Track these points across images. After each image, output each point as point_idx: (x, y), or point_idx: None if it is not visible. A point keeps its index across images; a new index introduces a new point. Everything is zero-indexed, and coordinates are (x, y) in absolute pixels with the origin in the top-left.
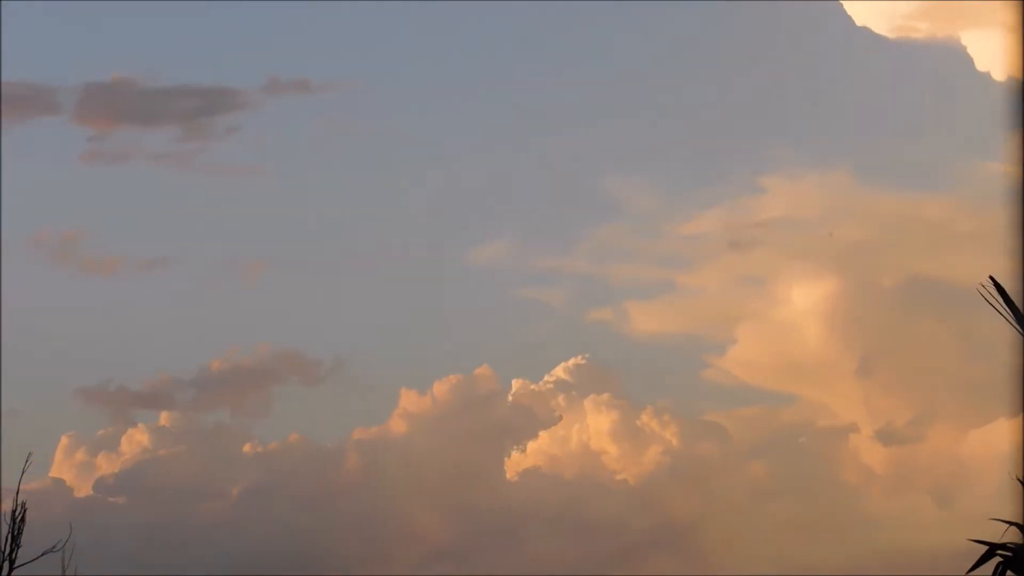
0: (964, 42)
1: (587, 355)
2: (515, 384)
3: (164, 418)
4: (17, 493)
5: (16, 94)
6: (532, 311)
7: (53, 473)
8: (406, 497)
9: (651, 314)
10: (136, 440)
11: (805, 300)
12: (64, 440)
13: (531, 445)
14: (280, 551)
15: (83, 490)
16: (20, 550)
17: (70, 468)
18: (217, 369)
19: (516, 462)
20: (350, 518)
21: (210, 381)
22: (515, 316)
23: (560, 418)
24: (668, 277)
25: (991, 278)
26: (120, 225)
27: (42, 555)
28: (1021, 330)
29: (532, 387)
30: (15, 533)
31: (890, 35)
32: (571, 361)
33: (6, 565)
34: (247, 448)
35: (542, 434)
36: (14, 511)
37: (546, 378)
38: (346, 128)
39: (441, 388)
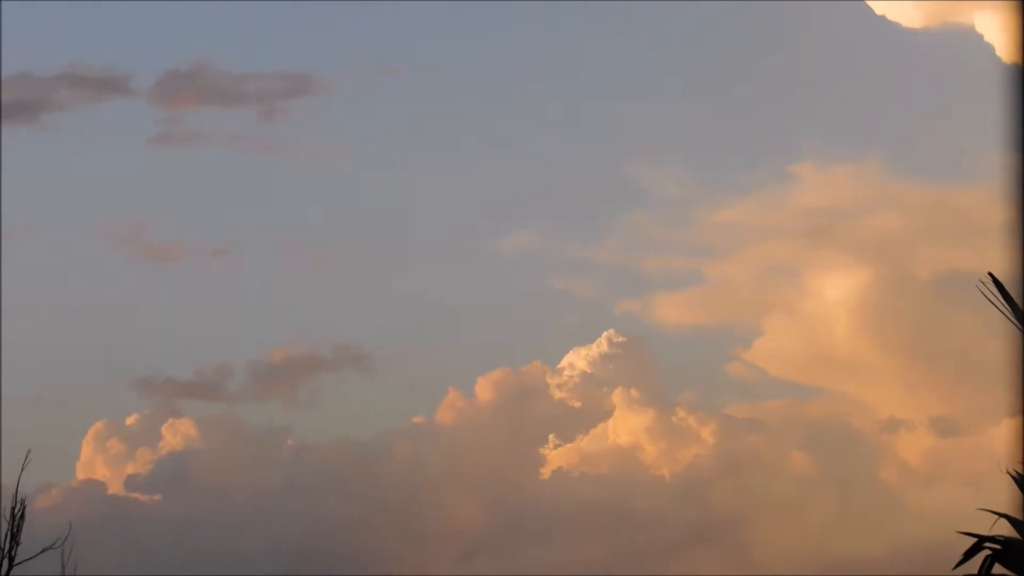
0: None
1: (617, 347)
2: (550, 378)
3: (210, 409)
4: (17, 490)
5: (92, 77)
6: (561, 302)
7: (87, 465)
8: (447, 492)
9: (680, 305)
10: (180, 431)
11: (836, 292)
12: (98, 427)
13: (568, 441)
14: (318, 547)
15: (115, 484)
16: (19, 547)
17: (104, 460)
18: (273, 360)
19: (553, 457)
20: (391, 513)
21: (264, 372)
22: (544, 307)
23: (597, 414)
24: (697, 267)
25: (990, 274)
26: (186, 210)
27: (41, 552)
28: (1020, 326)
29: (566, 380)
30: (14, 530)
31: (922, 25)
32: (600, 352)
33: (5, 562)
34: (289, 442)
35: (578, 430)
36: (13, 508)
37: (577, 371)
38: (397, 116)
39: (483, 383)
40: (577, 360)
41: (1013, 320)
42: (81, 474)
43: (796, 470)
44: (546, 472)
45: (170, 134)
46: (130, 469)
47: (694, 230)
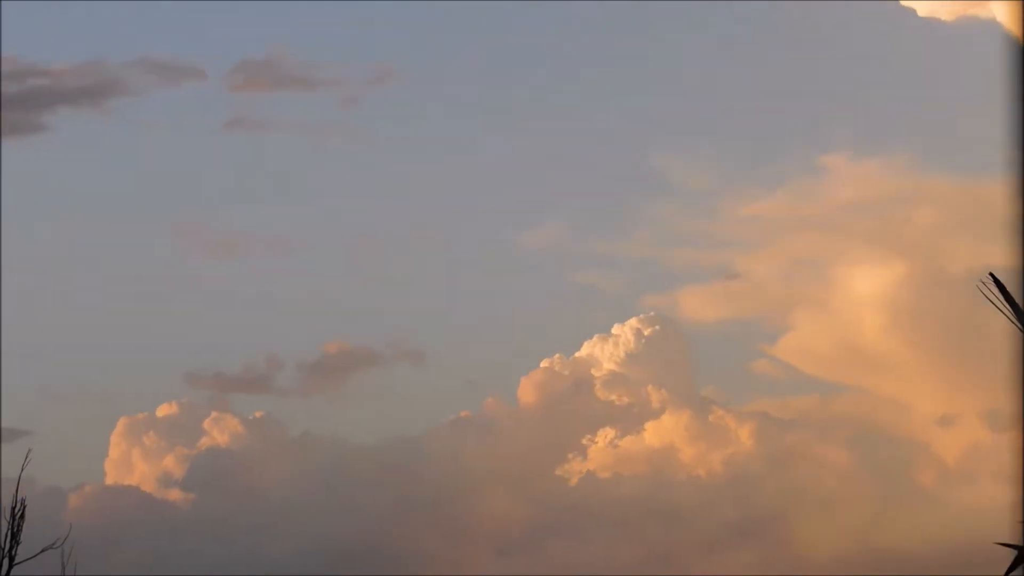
0: None
1: (647, 342)
2: (584, 375)
3: (257, 403)
4: (17, 490)
5: (168, 64)
6: (587, 296)
7: (125, 460)
8: (485, 489)
9: (706, 300)
10: (221, 427)
11: (867, 287)
12: (140, 420)
13: (605, 439)
14: (356, 547)
15: (148, 481)
16: (20, 547)
17: (142, 455)
18: (324, 354)
19: (590, 455)
20: (429, 510)
21: (312, 366)
22: (570, 301)
23: (636, 411)
24: (724, 261)
25: (991, 275)
26: (249, 201)
27: (41, 552)
28: (1021, 326)
29: (601, 377)
30: (15, 530)
31: (955, 18)
32: (630, 348)
33: (6, 562)
34: (329, 439)
35: (617, 427)
36: (13, 508)
37: (610, 368)
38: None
39: (523, 381)
40: (608, 356)
41: (1014, 320)
42: (117, 469)
43: (832, 467)
44: (582, 470)
45: (242, 120)
46: (167, 464)
47: (721, 223)
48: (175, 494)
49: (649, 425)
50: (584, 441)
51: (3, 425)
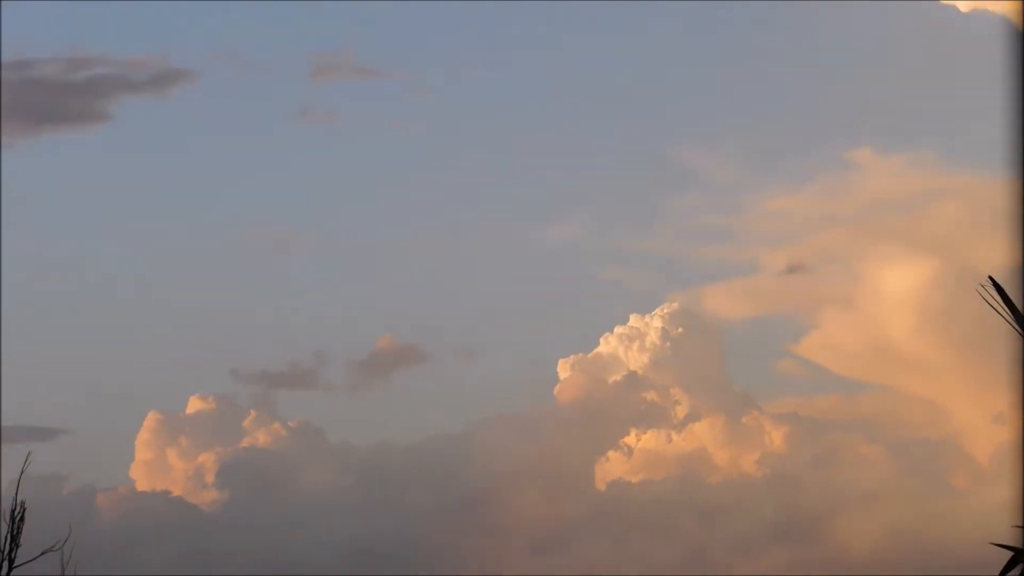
0: None
1: (676, 340)
2: (617, 374)
3: (302, 399)
4: (16, 492)
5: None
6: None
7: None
8: (522, 487)
9: (731, 297)
10: (262, 424)
11: (896, 285)
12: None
13: (640, 437)
14: (391, 546)
15: (184, 479)
16: (19, 549)
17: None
18: (373, 350)
19: (623, 456)
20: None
21: (358, 363)
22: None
23: (670, 409)
24: (749, 257)
25: (990, 278)
26: (300, 197)
27: (41, 555)
28: (1020, 330)
29: (629, 376)
30: (14, 532)
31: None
32: (659, 346)
33: (5, 564)
34: (365, 438)
35: (652, 426)
36: (13, 510)
37: (638, 366)
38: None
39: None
40: (637, 355)
41: (1013, 324)
42: (154, 468)
43: (865, 466)
44: (617, 469)
45: (310, 112)
46: (203, 462)
47: (747, 218)
48: (209, 493)
49: (681, 425)
50: (619, 440)
51: (39, 424)
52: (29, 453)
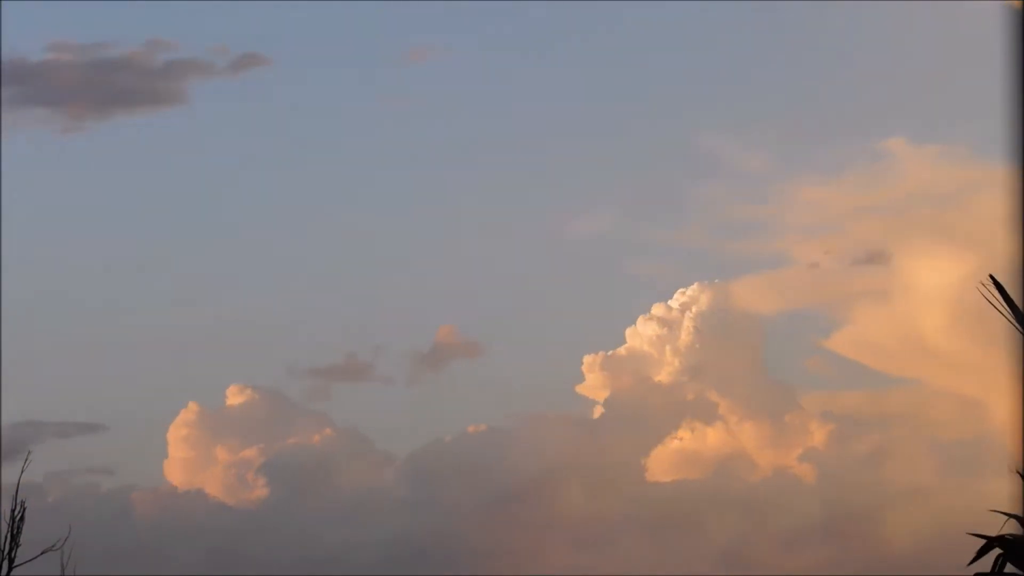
0: None
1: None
2: (650, 371)
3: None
4: (17, 492)
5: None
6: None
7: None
8: (561, 484)
9: (761, 290)
10: (307, 420)
11: (932, 279)
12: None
13: (678, 432)
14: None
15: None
16: (19, 549)
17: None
18: (433, 342)
19: (664, 451)
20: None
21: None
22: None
23: (706, 405)
24: (781, 249)
25: (991, 276)
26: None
27: (41, 554)
28: (1021, 329)
29: (665, 372)
30: (14, 532)
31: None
32: (693, 340)
33: (5, 564)
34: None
35: (690, 421)
36: (13, 510)
37: (672, 360)
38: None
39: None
40: (671, 349)
41: (1013, 322)
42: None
43: (904, 462)
44: (657, 466)
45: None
46: (247, 456)
47: (777, 209)
48: (249, 489)
49: (719, 421)
50: (659, 437)
51: (78, 419)
52: (29, 453)
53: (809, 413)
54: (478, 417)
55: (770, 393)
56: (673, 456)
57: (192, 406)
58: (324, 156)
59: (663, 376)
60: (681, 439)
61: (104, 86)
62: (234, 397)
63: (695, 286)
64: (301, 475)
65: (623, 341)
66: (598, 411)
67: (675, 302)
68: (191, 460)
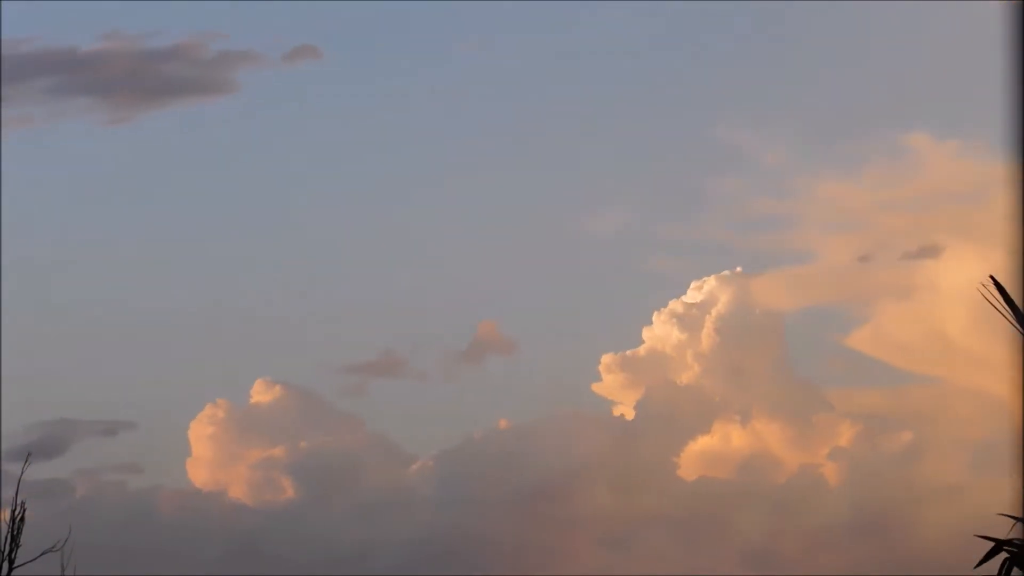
0: None
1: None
2: (674, 371)
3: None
4: (17, 492)
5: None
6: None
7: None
8: (586, 482)
9: (780, 286)
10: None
11: (955, 276)
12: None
13: (705, 431)
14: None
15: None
16: (20, 550)
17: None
18: (472, 339)
19: (692, 450)
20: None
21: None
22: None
23: (732, 403)
24: (800, 245)
25: (991, 277)
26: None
27: (41, 555)
28: (1021, 330)
29: (689, 369)
30: (15, 532)
31: None
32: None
33: (5, 565)
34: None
35: (716, 420)
36: (13, 510)
37: (698, 356)
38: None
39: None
40: (693, 346)
41: (1014, 323)
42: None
43: (932, 461)
44: (685, 464)
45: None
46: (273, 454)
47: (798, 204)
48: (277, 485)
49: (744, 419)
50: (686, 435)
51: (111, 417)
52: (29, 454)
53: (834, 411)
54: (508, 414)
55: (794, 391)
56: (700, 455)
57: (221, 402)
58: (367, 150)
59: (687, 375)
60: (712, 436)
61: (153, 76)
62: (261, 394)
63: (713, 280)
64: (328, 473)
65: (643, 339)
66: (620, 409)
67: (695, 297)
68: (216, 458)
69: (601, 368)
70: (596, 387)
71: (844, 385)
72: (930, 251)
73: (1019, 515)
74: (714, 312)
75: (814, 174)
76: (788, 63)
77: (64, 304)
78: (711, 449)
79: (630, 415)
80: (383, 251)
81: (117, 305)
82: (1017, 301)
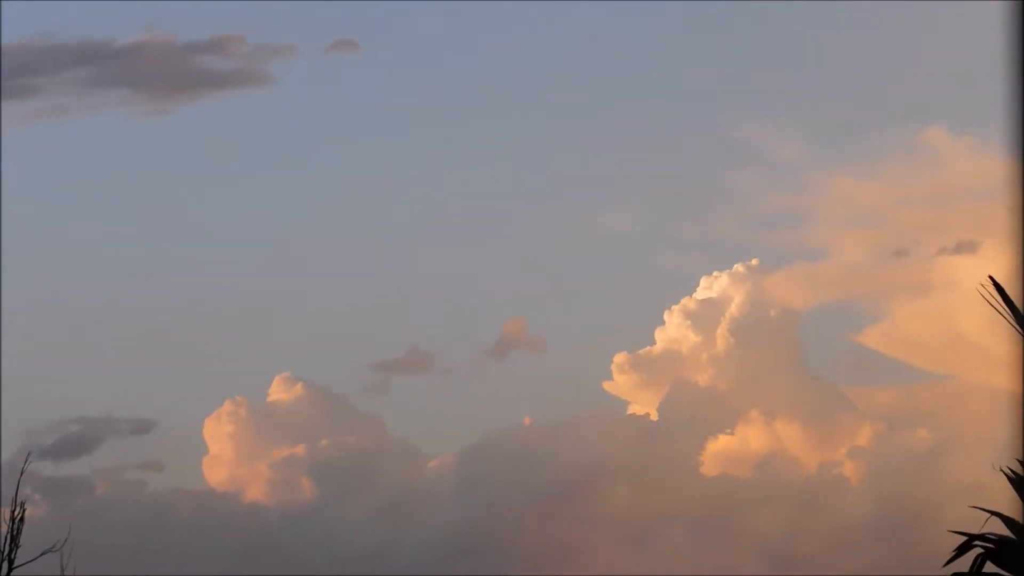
0: None
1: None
2: (695, 371)
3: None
4: (16, 492)
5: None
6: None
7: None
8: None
9: (794, 283)
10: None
11: (973, 275)
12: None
13: (726, 429)
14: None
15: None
16: (19, 550)
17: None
18: (502, 335)
19: (714, 448)
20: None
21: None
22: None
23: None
24: (815, 241)
25: (991, 278)
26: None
27: (41, 555)
28: (1021, 330)
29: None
30: (14, 533)
31: None
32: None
33: (5, 565)
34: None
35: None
36: (13, 511)
37: (718, 354)
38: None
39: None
40: (710, 344)
41: (1013, 324)
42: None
43: (955, 461)
44: (705, 463)
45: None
46: (294, 452)
47: (811, 200)
48: (295, 484)
49: (761, 418)
50: (705, 434)
51: (135, 415)
52: (29, 453)
53: (852, 409)
54: (531, 412)
55: (810, 389)
56: (720, 454)
57: (240, 400)
58: (398, 144)
59: (702, 373)
60: (731, 435)
61: (190, 68)
62: (280, 392)
63: (725, 277)
64: (346, 472)
65: (657, 337)
66: (635, 409)
67: (707, 293)
68: (233, 457)
69: (611, 369)
70: (608, 386)
71: (859, 383)
72: (947, 248)
73: (994, 509)
74: (728, 311)
75: (829, 170)
76: (802, 58)
77: (92, 300)
78: (731, 449)
79: (648, 414)
80: (411, 246)
81: (149, 300)
82: (1005, 307)
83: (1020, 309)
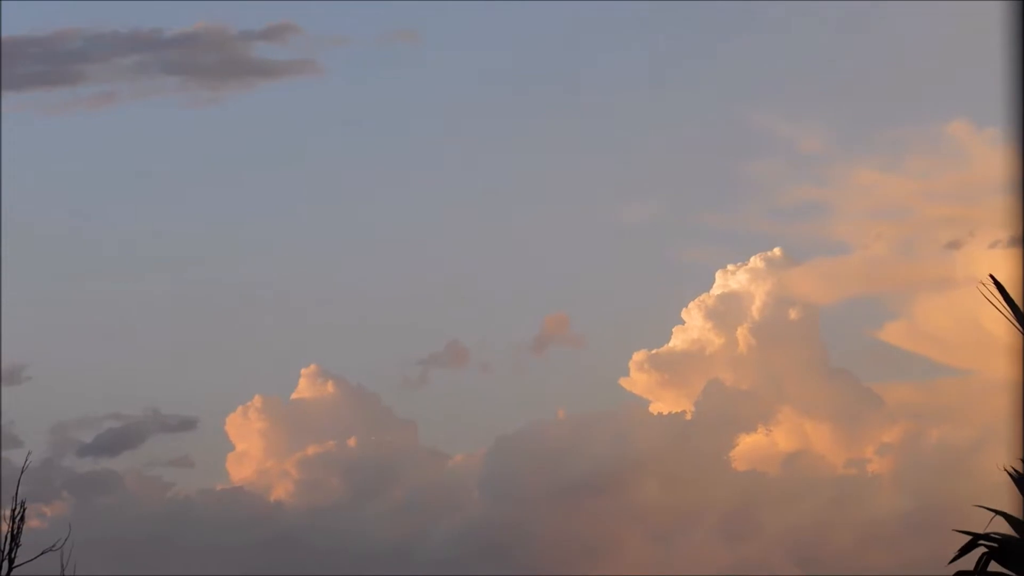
0: None
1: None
2: (721, 369)
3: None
4: (16, 491)
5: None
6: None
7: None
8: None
9: (817, 277)
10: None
11: (994, 267)
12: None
13: (752, 429)
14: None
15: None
16: (19, 549)
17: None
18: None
19: (743, 447)
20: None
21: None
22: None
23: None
24: (839, 235)
25: (991, 276)
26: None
27: (41, 554)
28: (1021, 329)
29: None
30: (15, 532)
31: None
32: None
33: (5, 564)
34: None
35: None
36: (13, 510)
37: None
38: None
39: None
40: (732, 339)
41: (1014, 323)
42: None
43: (980, 456)
44: (738, 461)
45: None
46: (321, 449)
47: (834, 193)
48: (321, 479)
49: (788, 416)
50: (731, 432)
51: (173, 412)
52: (29, 453)
53: (879, 405)
54: (563, 406)
55: (835, 385)
56: (749, 451)
57: (257, 397)
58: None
59: (727, 370)
60: (765, 433)
61: (242, 56)
62: (306, 388)
63: (745, 268)
64: (373, 467)
65: (674, 334)
66: (655, 407)
67: (726, 287)
68: (260, 454)
69: (629, 366)
70: (624, 382)
71: (881, 379)
72: (970, 242)
73: (998, 508)
74: (751, 304)
75: (851, 162)
76: (825, 49)
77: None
78: (760, 447)
79: (672, 412)
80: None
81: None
82: (1005, 306)
83: (1020, 308)
